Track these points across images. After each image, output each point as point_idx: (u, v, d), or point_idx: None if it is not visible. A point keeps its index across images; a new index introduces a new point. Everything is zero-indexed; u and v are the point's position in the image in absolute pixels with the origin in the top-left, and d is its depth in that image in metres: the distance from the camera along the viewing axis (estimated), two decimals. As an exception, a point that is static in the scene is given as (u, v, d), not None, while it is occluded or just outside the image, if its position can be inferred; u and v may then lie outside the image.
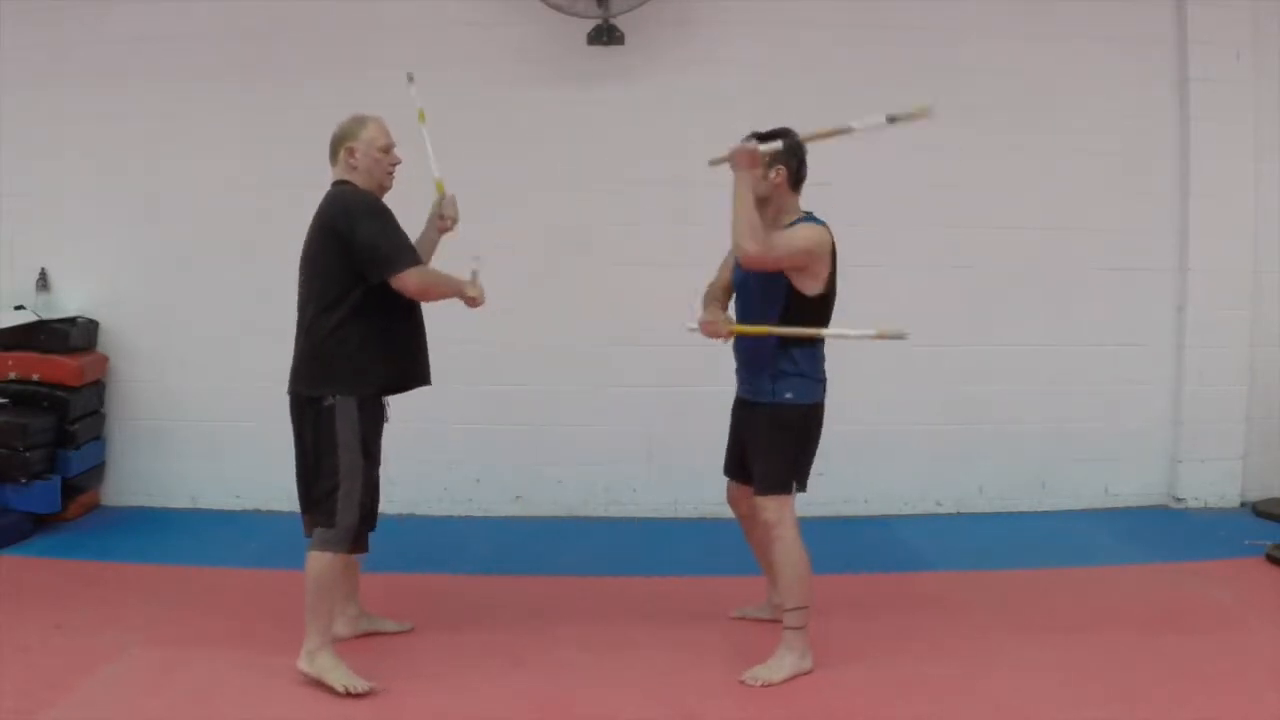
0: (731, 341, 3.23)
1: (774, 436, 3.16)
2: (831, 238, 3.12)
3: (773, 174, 3.11)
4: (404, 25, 4.78)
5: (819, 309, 3.13)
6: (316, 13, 4.79)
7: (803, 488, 3.20)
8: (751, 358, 3.20)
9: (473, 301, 3.18)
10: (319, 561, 3.00)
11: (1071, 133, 4.88)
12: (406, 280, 3.00)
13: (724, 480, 3.51)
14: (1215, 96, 4.86)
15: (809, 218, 3.15)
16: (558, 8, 4.56)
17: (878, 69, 4.80)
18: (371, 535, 3.20)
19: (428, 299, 3.12)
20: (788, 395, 3.13)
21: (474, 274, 3.20)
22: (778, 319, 3.11)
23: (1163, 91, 4.91)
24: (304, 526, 3.13)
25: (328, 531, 3.01)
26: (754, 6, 4.81)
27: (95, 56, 4.83)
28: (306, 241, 3.08)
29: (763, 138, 3.12)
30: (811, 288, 3.10)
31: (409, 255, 3.03)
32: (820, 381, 3.18)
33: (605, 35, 4.64)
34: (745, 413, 3.27)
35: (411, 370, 3.18)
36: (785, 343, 3.11)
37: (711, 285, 3.37)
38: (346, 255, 2.98)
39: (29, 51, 4.86)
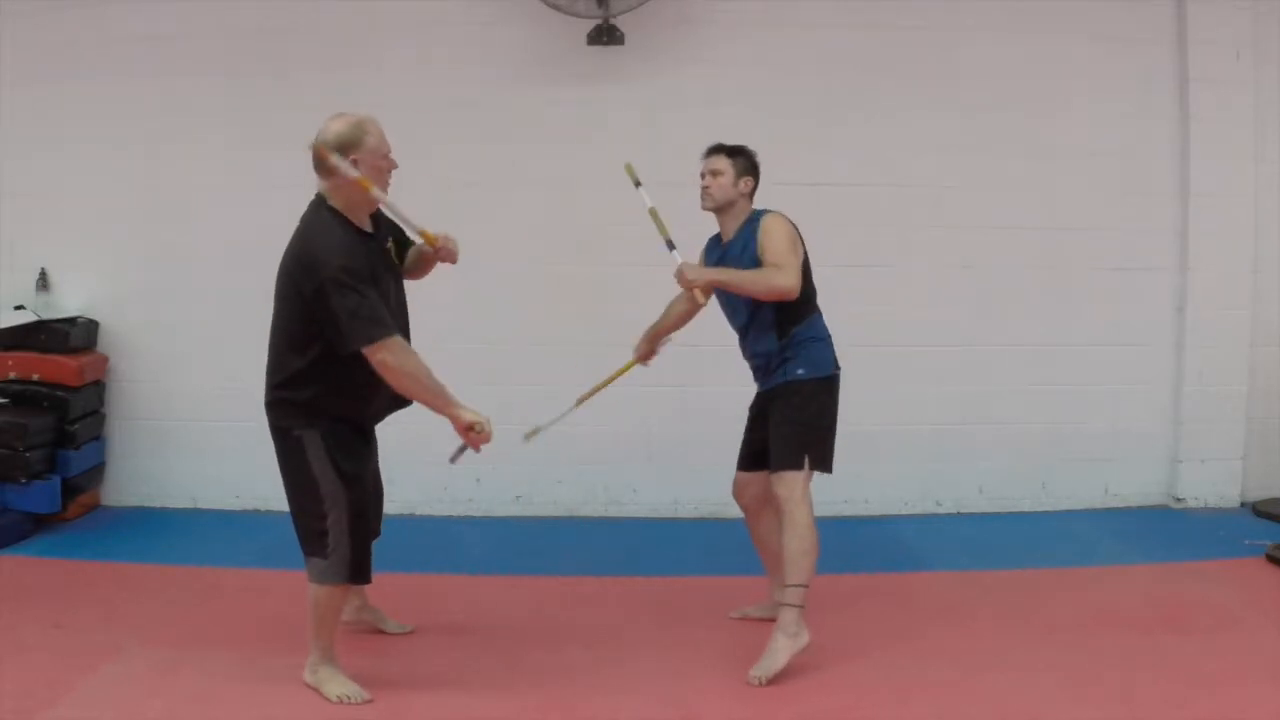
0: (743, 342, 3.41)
1: (788, 412, 3.27)
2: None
3: (741, 184, 3.35)
4: (404, 25, 4.78)
5: (807, 287, 3.29)
6: (317, 13, 4.80)
7: (822, 467, 3.25)
8: (762, 360, 3.36)
9: (471, 438, 2.82)
10: (317, 593, 2.94)
11: (1071, 133, 4.88)
12: (378, 358, 2.72)
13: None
14: (1215, 96, 4.86)
15: (759, 211, 3.35)
16: (557, 8, 4.56)
17: (877, 69, 4.81)
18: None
19: (397, 388, 2.79)
20: (799, 372, 3.27)
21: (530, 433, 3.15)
22: (774, 311, 3.27)
23: (1163, 91, 4.91)
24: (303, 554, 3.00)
25: (323, 563, 2.91)
26: (753, 6, 4.81)
27: (95, 56, 4.83)
28: (279, 269, 2.84)
29: (733, 150, 3.38)
30: None
31: (380, 329, 2.72)
32: (830, 349, 3.31)
33: (605, 35, 4.64)
34: (763, 403, 3.38)
35: (380, 406, 2.98)
36: (783, 331, 3.27)
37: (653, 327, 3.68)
38: (307, 313, 2.75)
39: (29, 51, 4.86)
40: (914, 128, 4.83)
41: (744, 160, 3.37)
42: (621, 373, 3.66)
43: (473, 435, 2.83)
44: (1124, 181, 4.92)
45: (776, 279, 3.18)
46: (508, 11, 4.73)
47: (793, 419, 3.25)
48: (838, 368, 3.33)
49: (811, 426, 3.25)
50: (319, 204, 2.87)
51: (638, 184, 3.46)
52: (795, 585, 3.14)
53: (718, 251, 3.43)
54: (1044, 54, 4.85)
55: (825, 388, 3.29)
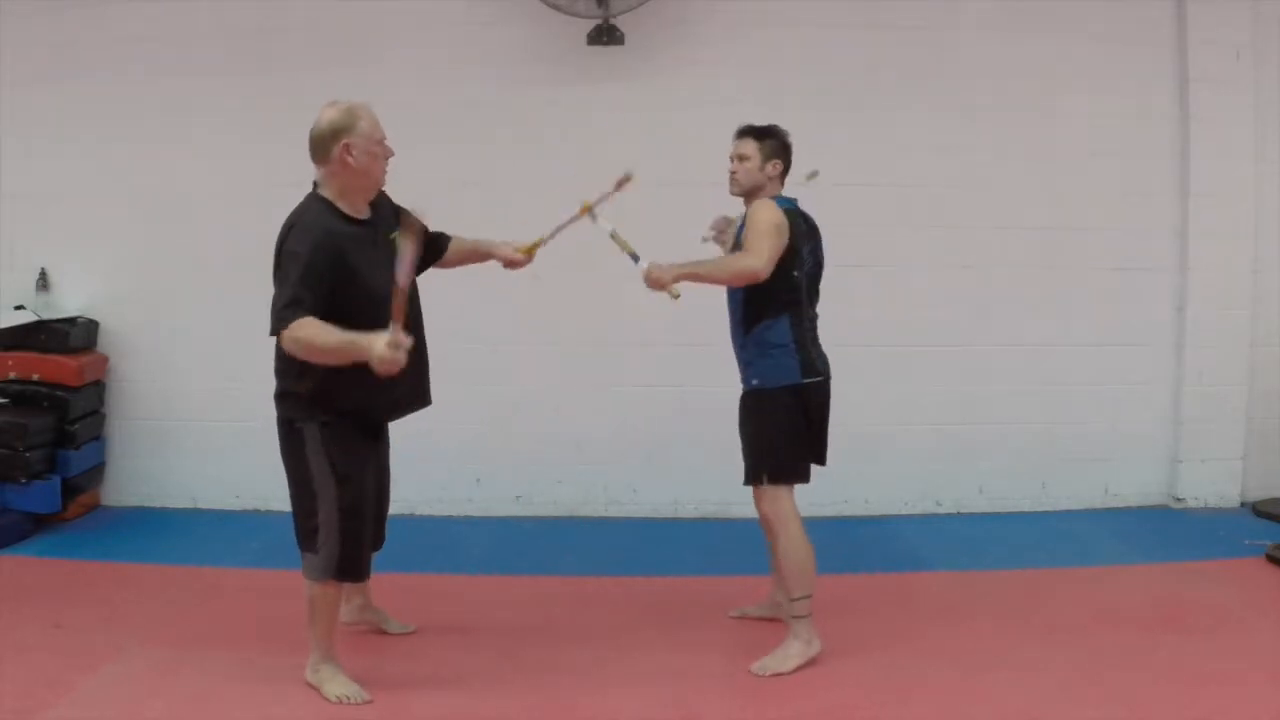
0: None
1: (745, 425, 3.23)
2: (791, 216, 3.17)
3: (769, 167, 3.23)
4: (404, 25, 4.78)
5: (779, 283, 3.14)
6: (317, 12, 4.79)
7: (795, 478, 3.20)
8: (737, 355, 3.29)
9: (381, 364, 2.66)
10: (312, 590, 2.96)
11: (1071, 133, 4.88)
12: (283, 343, 2.74)
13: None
14: (1215, 96, 4.85)
15: (780, 198, 3.25)
16: (557, 8, 4.56)
17: (878, 69, 4.81)
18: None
19: (312, 360, 2.75)
20: (754, 381, 3.20)
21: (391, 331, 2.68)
22: (742, 299, 3.20)
23: (1163, 91, 4.91)
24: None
25: (314, 558, 2.93)
26: (753, 6, 4.81)
27: (96, 56, 4.83)
28: None
29: (761, 131, 3.26)
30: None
31: (291, 313, 2.70)
32: (795, 356, 3.15)
33: (605, 35, 4.63)
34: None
35: (383, 398, 2.89)
36: (748, 326, 3.18)
37: None
38: None
39: (30, 51, 4.86)
40: (914, 128, 4.83)
41: (773, 142, 3.25)
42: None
43: (384, 365, 2.67)
44: (1124, 181, 4.92)
45: (740, 262, 3.10)
46: (508, 11, 4.73)
47: (748, 432, 3.22)
48: (811, 377, 3.16)
49: (763, 440, 3.17)
50: (310, 193, 2.93)
51: (593, 218, 3.29)
52: (799, 599, 3.15)
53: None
54: (1044, 54, 4.85)
55: (783, 398, 3.15)
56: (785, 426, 3.17)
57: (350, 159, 2.85)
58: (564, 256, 4.77)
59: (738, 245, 3.25)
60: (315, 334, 2.71)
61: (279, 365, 2.91)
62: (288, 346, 2.75)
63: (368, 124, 2.89)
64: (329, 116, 2.87)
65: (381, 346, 2.64)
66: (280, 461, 2.98)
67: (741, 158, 3.26)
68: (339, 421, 2.88)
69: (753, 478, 3.20)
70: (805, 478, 3.24)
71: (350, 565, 2.96)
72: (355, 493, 2.93)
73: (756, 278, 3.09)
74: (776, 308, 3.17)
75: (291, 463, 2.93)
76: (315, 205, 2.89)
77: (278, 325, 2.74)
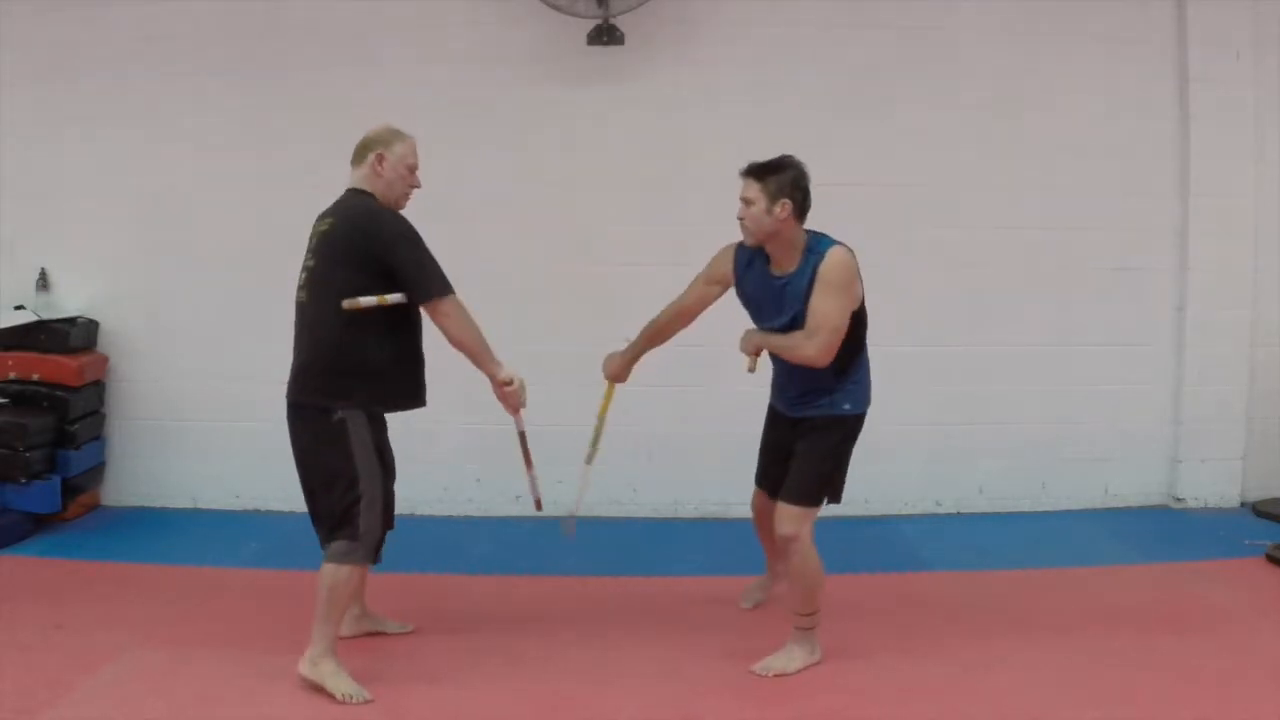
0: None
1: (825, 445, 3.15)
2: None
3: (777, 209, 3.00)
4: (404, 25, 4.78)
5: (866, 321, 3.18)
6: (317, 12, 4.79)
7: (836, 499, 3.22)
8: (804, 389, 3.17)
9: (506, 395, 3.14)
10: (337, 574, 2.97)
11: (1071, 132, 4.87)
12: (444, 308, 2.99)
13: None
14: (1215, 96, 4.85)
15: (823, 240, 3.08)
16: (558, 8, 4.56)
17: (877, 69, 4.81)
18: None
19: (455, 339, 3.02)
20: (846, 407, 3.16)
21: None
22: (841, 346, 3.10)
23: (1163, 91, 4.90)
24: (320, 538, 3.06)
25: (351, 544, 2.96)
26: (753, 6, 4.81)
27: (96, 56, 4.83)
28: (323, 249, 2.98)
29: (762, 169, 3.04)
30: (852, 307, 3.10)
31: (446, 283, 3.00)
32: (869, 385, 3.22)
33: (605, 35, 4.63)
34: (788, 427, 3.25)
35: (413, 390, 3.13)
36: (841, 366, 3.10)
37: (661, 315, 3.41)
38: (373, 274, 2.92)
39: (29, 51, 4.85)
40: (915, 127, 4.83)
41: (776, 180, 2.98)
42: (608, 403, 3.40)
43: (508, 392, 3.11)
44: (1124, 181, 4.92)
45: (802, 349, 3.02)
46: (507, 11, 4.73)
47: (827, 454, 3.15)
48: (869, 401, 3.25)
49: (840, 462, 3.19)
50: (357, 191, 3.07)
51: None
52: (809, 614, 3.17)
53: (766, 280, 3.13)
54: (1044, 54, 4.85)
55: (859, 423, 3.21)
56: (850, 451, 3.22)
57: (380, 169, 3.04)
58: (564, 256, 4.82)
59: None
60: (472, 319, 3.04)
61: (332, 357, 2.96)
62: (447, 314, 2.99)
63: (405, 149, 3.09)
64: (377, 129, 3.10)
65: (520, 382, 3.13)
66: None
67: (746, 202, 3.02)
68: (373, 410, 3.04)
69: (810, 498, 3.12)
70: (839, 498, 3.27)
71: (380, 548, 3.11)
72: (391, 479, 3.14)
73: (810, 365, 3.04)
74: (862, 344, 3.18)
75: (328, 452, 2.98)
76: (371, 199, 3.05)
77: (444, 288, 2.98)
